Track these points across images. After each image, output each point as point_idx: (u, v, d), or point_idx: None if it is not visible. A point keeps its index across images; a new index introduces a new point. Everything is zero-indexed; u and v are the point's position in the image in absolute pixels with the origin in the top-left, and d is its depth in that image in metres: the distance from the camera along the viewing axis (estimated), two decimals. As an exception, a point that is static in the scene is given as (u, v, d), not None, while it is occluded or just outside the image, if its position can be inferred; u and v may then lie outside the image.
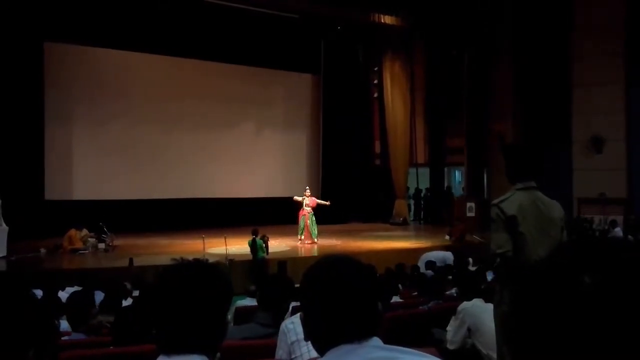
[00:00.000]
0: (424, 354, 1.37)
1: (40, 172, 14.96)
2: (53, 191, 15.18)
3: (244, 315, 4.91)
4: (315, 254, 12.28)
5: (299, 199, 14.01)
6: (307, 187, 14.45)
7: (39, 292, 6.57)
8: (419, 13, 16.87)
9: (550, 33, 15.29)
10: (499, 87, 16.50)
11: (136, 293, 6.68)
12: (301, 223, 13.94)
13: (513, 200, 3.33)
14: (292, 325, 2.81)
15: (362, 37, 19.16)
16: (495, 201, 3.39)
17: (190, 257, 1.52)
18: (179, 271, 1.44)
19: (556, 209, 3.41)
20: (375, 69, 20.14)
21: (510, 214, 3.27)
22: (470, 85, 17.25)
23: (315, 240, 13.85)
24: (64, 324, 4.49)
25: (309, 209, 13.89)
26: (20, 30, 13.89)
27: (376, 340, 1.34)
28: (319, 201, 14.28)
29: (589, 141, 15.19)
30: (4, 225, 11.56)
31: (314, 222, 13.95)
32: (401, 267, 8.87)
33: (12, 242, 11.69)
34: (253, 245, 11.10)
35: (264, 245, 11.24)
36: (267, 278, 4.10)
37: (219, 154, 17.74)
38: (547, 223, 3.32)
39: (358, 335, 1.33)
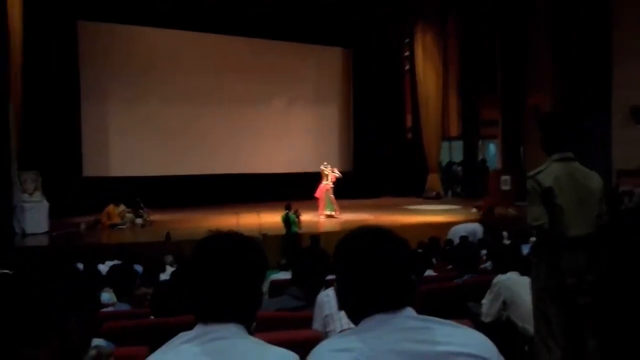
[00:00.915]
0: (458, 324, 1.37)
1: (78, 149, 15.32)
2: (91, 168, 15.54)
3: (278, 288, 4.98)
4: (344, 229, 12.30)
5: (325, 170, 14.09)
6: (326, 163, 14.50)
7: (80, 266, 6.79)
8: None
9: (590, 2, 14.74)
10: (536, 57, 16.03)
11: (173, 269, 6.83)
12: (329, 198, 14.02)
13: (549, 172, 3.27)
14: (327, 298, 2.83)
15: (393, 9, 18.81)
16: (531, 173, 3.33)
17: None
18: (214, 242, 1.45)
19: (595, 179, 3.34)
20: (407, 41, 19.81)
21: (546, 185, 3.21)
22: (505, 56, 16.80)
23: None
24: (106, 296, 4.64)
25: (331, 184, 14.04)
26: (53, 9, 14.09)
27: (410, 311, 1.35)
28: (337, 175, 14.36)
29: (629, 112, 14.72)
30: (45, 201, 11.92)
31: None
32: (436, 241, 8.81)
33: (52, 218, 12.05)
34: (286, 220, 11.19)
35: (296, 219, 11.32)
36: (301, 252, 4.13)
37: (251, 129, 17.82)
38: (586, 194, 3.26)
39: (392, 306, 1.33)
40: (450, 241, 9.24)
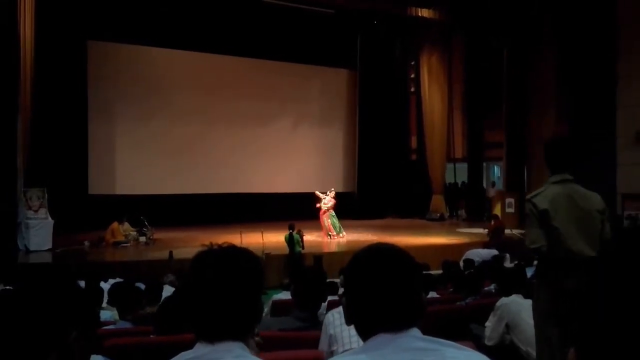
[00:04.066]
0: (464, 347, 1.36)
1: (84, 167, 15.41)
2: (96, 186, 15.60)
3: (280, 308, 4.96)
4: (347, 249, 12.26)
5: (322, 196, 14.16)
6: (332, 189, 14.62)
7: (81, 283, 6.78)
8: (457, 5, 16.60)
9: (595, 24, 14.83)
10: (541, 80, 16.09)
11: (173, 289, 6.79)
12: (331, 220, 14.05)
13: (546, 194, 3.29)
14: (332, 318, 2.87)
15: (399, 31, 18.99)
16: (529, 196, 3.37)
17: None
18: (210, 255, 1.44)
19: (594, 201, 3.32)
20: (412, 63, 19.94)
21: (542, 208, 3.23)
22: (510, 78, 16.87)
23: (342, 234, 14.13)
24: (107, 314, 4.63)
25: (326, 206, 14.14)
26: (64, 29, 14.30)
27: (416, 331, 1.34)
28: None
29: (634, 136, 14.70)
30: (49, 218, 11.94)
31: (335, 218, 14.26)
32: (450, 264, 8.69)
33: (57, 235, 12.07)
34: (290, 239, 11.17)
35: (300, 239, 11.30)
36: (303, 271, 4.12)
37: (256, 149, 17.90)
38: (585, 216, 3.24)
39: (398, 325, 1.33)
40: (457, 264, 9.15)
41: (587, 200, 3.29)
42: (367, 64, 19.42)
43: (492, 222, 13.67)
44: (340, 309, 2.93)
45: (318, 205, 14.20)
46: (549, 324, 3.25)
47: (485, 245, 11.92)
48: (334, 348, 2.79)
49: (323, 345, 2.86)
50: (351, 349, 2.68)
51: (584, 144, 12.19)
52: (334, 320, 2.85)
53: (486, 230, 13.65)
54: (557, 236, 3.19)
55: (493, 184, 20.35)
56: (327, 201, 14.15)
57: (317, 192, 14.38)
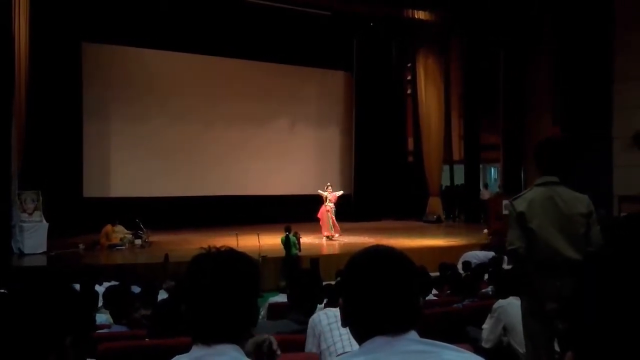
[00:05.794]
0: (462, 349, 1.34)
1: (79, 170, 15.33)
2: (91, 189, 15.54)
3: (276, 311, 4.93)
4: (344, 252, 12.23)
5: (323, 193, 14.12)
6: (329, 184, 14.56)
7: (76, 286, 6.74)
8: (454, 7, 16.59)
9: (592, 25, 14.85)
10: (538, 80, 16.10)
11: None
12: (330, 219, 14.03)
13: (526, 197, 3.32)
14: (319, 319, 2.86)
15: (395, 32, 18.98)
16: (513, 198, 3.40)
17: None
18: (207, 258, 1.45)
19: (580, 204, 3.27)
20: (409, 65, 19.96)
21: (519, 210, 3.27)
22: (507, 79, 16.87)
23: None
24: (102, 317, 4.60)
25: (331, 204, 14.04)
26: (59, 31, 14.24)
27: (413, 334, 1.33)
28: (337, 194, 14.42)
29: (631, 137, 14.72)
30: (44, 221, 11.88)
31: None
32: (447, 267, 8.69)
33: (51, 238, 12.00)
34: (286, 242, 11.14)
35: (296, 242, 11.27)
36: (300, 274, 4.10)
37: (252, 151, 17.87)
38: (566, 219, 3.22)
39: (396, 328, 1.31)
40: (454, 266, 9.13)
41: (569, 204, 3.26)
42: (363, 66, 19.41)
43: (493, 224, 13.67)
44: (327, 310, 2.94)
45: (324, 205, 14.11)
46: (530, 322, 3.28)
47: (483, 247, 11.91)
48: (324, 347, 2.79)
49: (312, 347, 2.84)
50: (342, 347, 2.68)
51: (579, 146, 12.19)
52: (321, 320, 2.85)
53: (486, 231, 13.67)
54: (534, 238, 3.20)
55: (486, 186, 20.34)
56: (331, 197, 14.11)
57: (320, 192, 14.30)
